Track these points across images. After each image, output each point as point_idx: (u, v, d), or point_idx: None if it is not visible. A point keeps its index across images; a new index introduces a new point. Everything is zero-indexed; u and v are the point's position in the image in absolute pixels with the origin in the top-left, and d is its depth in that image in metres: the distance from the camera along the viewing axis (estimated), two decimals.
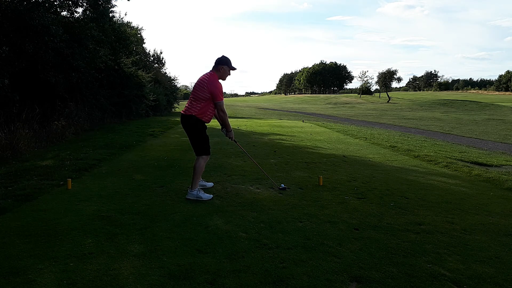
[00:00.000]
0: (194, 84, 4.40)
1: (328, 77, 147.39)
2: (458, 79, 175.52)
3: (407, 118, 28.03)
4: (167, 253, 2.81)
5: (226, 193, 4.50)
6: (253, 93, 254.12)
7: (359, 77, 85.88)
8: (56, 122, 10.08)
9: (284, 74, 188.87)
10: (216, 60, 4.32)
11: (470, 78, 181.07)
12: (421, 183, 5.22)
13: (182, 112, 4.37)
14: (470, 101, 51.38)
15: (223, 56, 4.35)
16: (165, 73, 30.88)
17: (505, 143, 13.64)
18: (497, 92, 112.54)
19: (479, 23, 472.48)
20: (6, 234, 3.14)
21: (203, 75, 4.30)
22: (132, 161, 6.54)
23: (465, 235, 3.30)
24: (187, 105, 4.35)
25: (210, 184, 4.81)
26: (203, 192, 4.27)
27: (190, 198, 4.20)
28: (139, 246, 2.94)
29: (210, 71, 4.32)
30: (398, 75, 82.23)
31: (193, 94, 4.27)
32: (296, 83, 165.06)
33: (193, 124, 4.27)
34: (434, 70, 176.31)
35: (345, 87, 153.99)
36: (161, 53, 33.54)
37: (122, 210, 3.79)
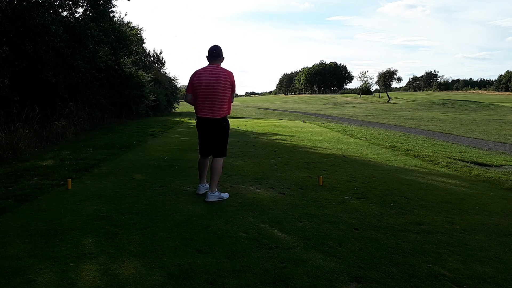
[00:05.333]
0: (202, 82, 4.11)
1: (328, 77, 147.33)
2: (458, 79, 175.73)
3: (407, 118, 28.04)
4: (167, 253, 2.81)
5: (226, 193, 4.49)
6: (253, 93, 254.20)
7: (359, 77, 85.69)
8: (56, 122, 10.08)
9: (284, 74, 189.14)
10: (220, 51, 4.21)
11: (470, 78, 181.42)
12: (421, 183, 5.22)
13: (207, 116, 4.16)
14: (470, 101, 51.40)
15: (218, 46, 4.24)
16: (165, 73, 30.93)
17: (505, 143, 13.65)
18: (497, 92, 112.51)
19: (480, 23, 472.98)
20: (6, 234, 3.13)
21: (218, 72, 4.13)
22: (132, 161, 6.54)
23: (465, 235, 3.30)
24: (208, 107, 4.14)
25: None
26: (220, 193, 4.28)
27: (213, 200, 4.13)
28: (139, 246, 2.94)
29: (218, 66, 4.20)
30: (398, 75, 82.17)
31: (215, 94, 4.10)
32: (296, 83, 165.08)
33: (226, 126, 4.28)
34: (434, 70, 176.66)
35: (345, 87, 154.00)
36: (161, 53, 33.62)
37: (122, 210, 3.79)
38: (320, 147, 8.72)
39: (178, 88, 32.27)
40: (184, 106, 35.57)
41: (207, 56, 4.24)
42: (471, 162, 7.50)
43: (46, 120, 9.96)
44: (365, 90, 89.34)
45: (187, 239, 3.09)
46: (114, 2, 14.12)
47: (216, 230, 3.29)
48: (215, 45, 4.26)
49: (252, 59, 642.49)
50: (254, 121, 18.82)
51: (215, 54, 4.20)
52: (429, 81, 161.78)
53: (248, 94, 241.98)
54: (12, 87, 9.07)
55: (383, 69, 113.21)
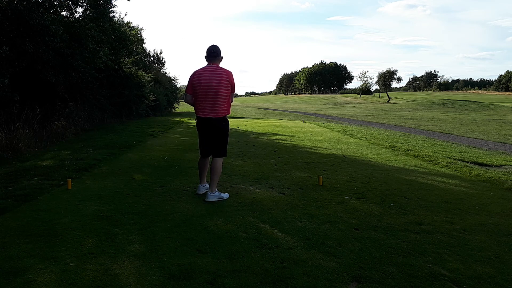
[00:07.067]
0: (201, 83, 4.10)
1: (328, 77, 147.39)
2: (458, 79, 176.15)
3: (407, 118, 28.04)
4: (167, 253, 2.81)
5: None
6: (253, 93, 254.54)
7: (359, 77, 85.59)
8: (56, 122, 10.07)
9: (284, 74, 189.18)
10: (218, 51, 4.19)
11: (470, 78, 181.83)
12: (421, 183, 5.22)
13: (207, 116, 4.16)
14: (470, 101, 51.41)
15: (216, 46, 4.23)
16: (165, 73, 30.88)
17: (505, 143, 13.65)
18: (497, 92, 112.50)
19: (480, 23, 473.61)
20: (6, 234, 3.14)
21: (217, 72, 4.12)
22: (132, 161, 6.54)
23: (465, 235, 3.30)
24: (208, 107, 4.14)
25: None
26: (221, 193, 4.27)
27: (213, 200, 4.14)
28: (139, 246, 2.94)
29: (217, 65, 4.18)
30: (398, 75, 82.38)
31: (214, 94, 4.09)
32: (296, 83, 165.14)
33: (225, 126, 4.27)
34: (434, 70, 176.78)
35: (345, 87, 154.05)
36: (161, 53, 33.62)
37: (122, 210, 3.79)
38: (320, 147, 8.72)
39: (178, 88, 32.22)
40: (184, 106, 35.58)
41: (205, 56, 4.22)
42: (471, 162, 7.50)
43: (46, 120, 9.96)
44: (365, 90, 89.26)
45: (187, 239, 3.09)
46: (114, 2, 14.18)
47: (216, 230, 3.29)
48: (213, 45, 4.24)
49: (252, 59, 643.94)
50: (254, 121, 18.82)
51: (213, 54, 4.18)
52: (429, 81, 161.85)
53: (248, 94, 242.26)
54: (12, 87, 9.07)
55: (383, 69, 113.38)
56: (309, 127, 14.99)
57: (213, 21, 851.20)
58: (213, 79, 4.10)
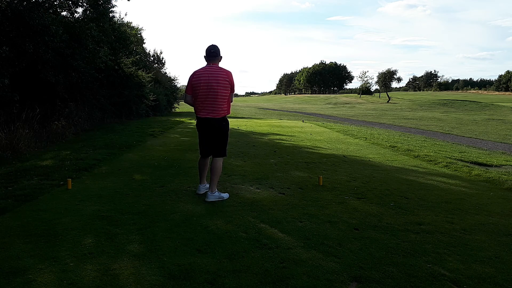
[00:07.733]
0: (201, 83, 4.10)
1: (328, 77, 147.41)
2: (458, 79, 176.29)
3: (407, 118, 28.03)
4: (167, 253, 2.81)
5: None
6: (253, 93, 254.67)
7: (359, 77, 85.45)
8: (56, 122, 10.07)
9: (284, 74, 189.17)
10: (217, 51, 4.18)
11: (470, 78, 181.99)
12: (421, 183, 5.22)
13: (206, 116, 4.16)
14: (470, 101, 51.42)
15: (215, 45, 4.21)
16: (165, 73, 30.88)
17: (505, 143, 13.65)
18: (497, 92, 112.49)
19: (480, 23, 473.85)
20: (6, 234, 3.14)
21: (216, 72, 4.11)
22: (132, 161, 6.54)
23: (465, 235, 3.30)
24: (208, 107, 4.13)
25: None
26: (221, 193, 4.27)
27: (213, 200, 4.14)
28: (139, 246, 2.94)
29: (216, 65, 4.18)
30: (398, 75, 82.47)
31: (214, 94, 4.08)
32: (296, 83, 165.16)
33: (225, 126, 4.27)
34: (434, 70, 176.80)
35: (345, 87, 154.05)
36: (161, 53, 33.64)
37: (122, 210, 3.79)
38: (320, 147, 8.72)
39: (178, 88, 32.20)
40: (184, 106, 35.58)
41: (205, 56, 4.21)
42: (471, 162, 7.51)
43: (46, 120, 9.96)
44: (365, 90, 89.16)
45: (187, 239, 3.09)
46: (114, 2, 14.16)
47: (216, 230, 3.29)
48: (212, 44, 4.23)
49: (252, 59, 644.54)
50: (254, 121, 18.82)
51: (213, 54, 4.17)
52: (429, 81, 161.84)
53: (248, 94, 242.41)
54: (12, 87, 9.07)
55: (383, 69, 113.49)
56: (309, 127, 14.99)
57: (213, 21, 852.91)
58: (212, 79, 4.09)
